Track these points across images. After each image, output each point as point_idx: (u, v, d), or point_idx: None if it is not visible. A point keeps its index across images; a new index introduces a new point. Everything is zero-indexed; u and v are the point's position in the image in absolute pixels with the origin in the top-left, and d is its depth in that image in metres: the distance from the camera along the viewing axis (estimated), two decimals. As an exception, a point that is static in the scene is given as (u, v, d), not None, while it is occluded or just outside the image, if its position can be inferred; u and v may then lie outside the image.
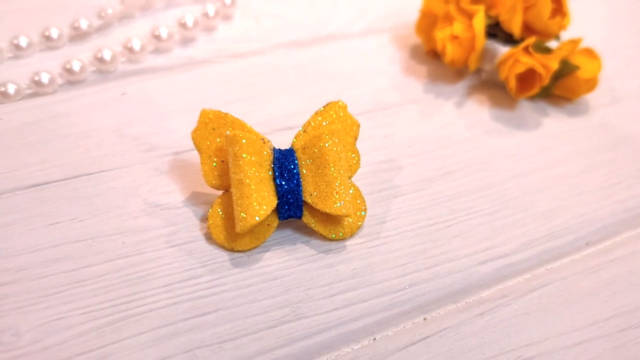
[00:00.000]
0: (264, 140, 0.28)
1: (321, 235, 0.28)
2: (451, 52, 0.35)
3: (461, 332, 0.25)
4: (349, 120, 0.29)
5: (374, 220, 0.29)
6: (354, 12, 0.42)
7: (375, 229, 0.29)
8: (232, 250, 0.27)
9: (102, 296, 0.25)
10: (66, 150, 0.30)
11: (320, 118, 0.28)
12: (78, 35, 0.37)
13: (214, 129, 0.28)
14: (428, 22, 0.37)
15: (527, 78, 0.35)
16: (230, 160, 0.27)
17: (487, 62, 0.38)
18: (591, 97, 0.38)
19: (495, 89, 0.37)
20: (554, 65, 0.34)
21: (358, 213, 0.28)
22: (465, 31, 0.35)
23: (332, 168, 0.27)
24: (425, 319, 0.26)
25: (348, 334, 0.25)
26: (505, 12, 0.35)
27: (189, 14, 0.38)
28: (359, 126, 0.29)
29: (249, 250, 0.27)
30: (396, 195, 0.30)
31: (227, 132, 0.27)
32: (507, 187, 0.31)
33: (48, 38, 0.36)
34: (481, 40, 0.35)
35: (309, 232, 0.28)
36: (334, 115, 0.29)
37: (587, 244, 0.30)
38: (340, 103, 0.29)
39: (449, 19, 0.36)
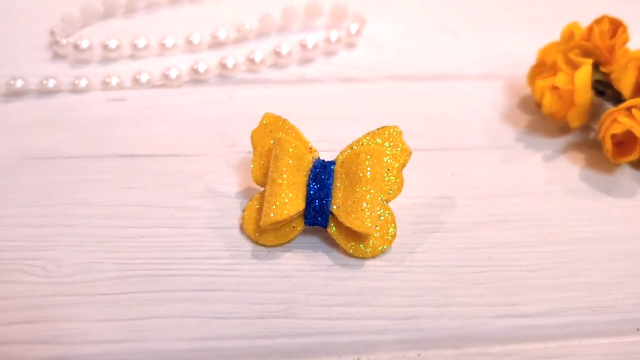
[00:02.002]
0: (311, 149, 0.30)
1: (342, 248, 0.29)
2: (549, 103, 0.34)
3: (443, 375, 0.24)
4: (400, 146, 0.30)
5: (402, 249, 0.29)
6: (477, 55, 0.42)
7: (401, 256, 0.29)
8: (256, 242, 0.29)
9: (137, 253, 0.28)
10: (165, 133, 0.35)
11: (368, 138, 0.30)
12: (216, 44, 0.42)
13: (270, 131, 0.30)
14: (540, 71, 0.36)
15: (628, 141, 0.32)
16: (272, 159, 0.29)
17: (596, 121, 0.35)
18: None
19: (598, 150, 0.34)
20: (659, 132, 0.31)
21: (385, 237, 0.29)
22: (567, 83, 0.33)
23: (364, 187, 0.28)
24: (419, 354, 0.25)
25: (332, 345, 0.26)
26: (617, 70, 0.33)
27: (312, 37, 0.41)
28: (410, 154, 0.30)
29: (272, 246, 0.29)
30: (436, 231, 0.30)
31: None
32: (564, 248, 0.29)
33: (190, 43, 0.41)
34: (583, 95, 0.33)
35: (334, 244, 0.29)
36: (384, 138, 0.30)
37: (638, 329, 0.26)
38: (395, 128, 0.30)
39: (554, 69, 0.34)
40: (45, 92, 0.37)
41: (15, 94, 0.37)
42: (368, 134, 0.30)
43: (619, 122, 0.31)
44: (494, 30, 0.44)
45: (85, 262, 0.28)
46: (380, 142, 0.29)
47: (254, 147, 0.30)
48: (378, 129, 0.30)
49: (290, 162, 0.28)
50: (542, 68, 0.36)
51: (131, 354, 0.25)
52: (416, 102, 0.38)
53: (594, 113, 0.35)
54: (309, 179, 0.29)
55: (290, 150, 0.29)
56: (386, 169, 0.29)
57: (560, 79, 0.33)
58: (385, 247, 0.29)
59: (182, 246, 0.29)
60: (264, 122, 0.31)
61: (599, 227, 0.30)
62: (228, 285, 0.27)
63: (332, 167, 0.29)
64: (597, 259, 0.29)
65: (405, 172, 0.32)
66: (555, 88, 0.33)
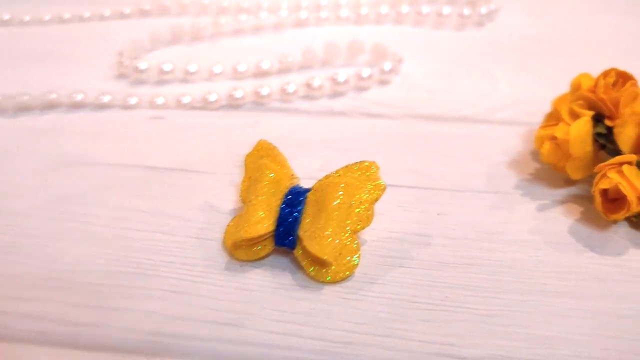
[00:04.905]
0: (292, 177, 0.32)
1: (304, 270, 0.30)
2: (547, 152, 0.33)
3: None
4: (375, 181, 0.31)
5: (364, 278, 0.30)
6: (507, 100, 0.42)
7: (360, 285, 0.30)
8: (231, 256, 0.32)
9: (129, 252, 0.32)
10: (188, 150, 0.39)
11: (344, 170, 0.31)
12: (259, 73, 0.46)
13: (262, 156, 0.33)
14: (550, 121, 0.36)
15: (621, 198, 0.31)
16: (253, 182, 0.32)
17: (599, 176, 0.34)
18: None
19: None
20: (650, 192, 0.30)
21: (347, 265, 0.30)
22: (566, 134, 0.33)
23: (329, 215, 0.30)
24: (350, 379, 0.27)
25: (271, 357, 0.27)
26: (619, 124, 0.32)
27: (343, 72, 0.43)
28: (384, 190, 0.31)
29: (245, 261, 0.31)
30: (402, 265, 0.31)
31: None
32: (523, 298, 0.29)
33: (236, 71, 0.45)
34: (579, 147, 0.32)
35: (300, 266, 0.31)
36: (360, 173, 0.31)
37: (580, 390, 0.26)
38: (373, 163, 0.31)
39: (559, 119, 0.34)
40: (100, 106, 0.43)
41: (76, 106, 0.43)
42: (346, 166, 0.31)
43: (608, 177, 0.30)
44: (532, 79, 0.44)
45: (85, 254, 0.32)
46: (356, 175, 0.31)
47: (245, 169, 0.33)
48: (356, 163, 0.31)
49: (268, 185, 0.31)
50: (553, 117, 0.36)
51: (98, 337, 0.28)
52: (429, 141, 0.39)
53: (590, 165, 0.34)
54: (283, 202, 0.31)
55: (271, 174, 0.31)
56: (358, 201, 0.31)
57: (560, 130, 0.33)
58: (347, 274, 0.30)
59: (168, 251, 0.32)
60: (258, 147, 0.33)
61: (567, 282, 0.29)
62: (195, 290, 0.30)
63: (305, 194, 0.31)
64: (556, 313, 0.28)
65: (393, 206, 0.34)
66: (554, 138, 0.33)
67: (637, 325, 0.28)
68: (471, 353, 0.27)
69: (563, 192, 0.35)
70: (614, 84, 0.33)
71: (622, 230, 0.32)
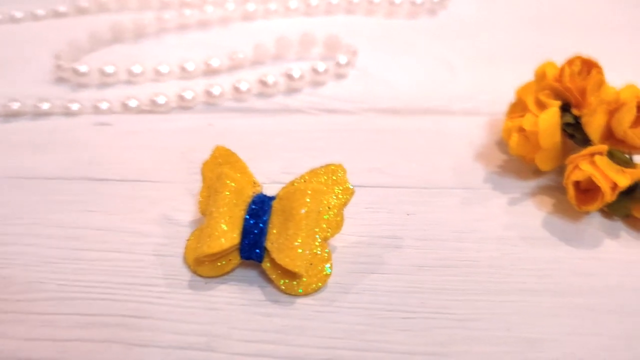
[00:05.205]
0: (254, 184, 0.30)
1: (275, 284, 0.29)
2: (516, 144, 0.33)
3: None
4: (342, 185, 0.29)
5: (337, 288, 0.29)
6: (468, 91, 0.41)
7: (333, 296, 0.28)
8: (194, 273, 0.29)
9: (81, 276, 0.29)
10: (139, 158, 0.36)
11: (310, 175, 0.30)
12: (209, 71, 0.43)
13: (220, 164, 0.31)
14: (515, 110, 0.35)
15: (593, 189, 0.30)
16: (212, 193, 0.29)
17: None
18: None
19: (569, 195, 0.33)
20: (623, 181, 0.29)
21: (319, 275, 0.28)
22: (534, 125, 0.32)
23: (297, 224, 0.28)
24: (330, 398, 0.25)
25: (244, 382, 0.26)
26: (587, 113, 0.31)
27: (297, 68, 0.41)
28: (352, 193, 0.30)
29: (209, 277, 0.29)
30: (375, 272, 0.29)
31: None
32: (503, 299, 0.28)
33: (184, 70, 0.43)
34: (549, 138, 0.31)
35: (270, 279, 0.29)
36: (327, 176, 0.29)
37: (569, 393, 0.25)
38: (339, 166, 0.30)
39: (525, 109, 0.33)
40: (38, 114, 0.40)
41: (12, 115, 0.39)
42: (312, 171, 0.30)
43: (581, 169, 0.30)
44: (491, 66, 0.43)
45: (33, 281, 0.29)
46: (323, 180, 0.29)
47: (203, 179, 0.31)
48: (322, 167, 0.30)
49: (229, 196, 0.29)
50: (517, 107, 0.35)
51: (51, 374, 0.26)
52: (392, 136, 0.38)
53: (567, 156, 0.33)
54: (247, 213, 0.29)
55: (231, 184, 0.29)
56: (326, 207, 0.29)
57: (528, 121, 0.32)
58: (319, 285, 0.28)
59: (125, 271, 0.30)
60: (215, 154, 0.31)
61: (548, 279, 0.29)
62: (156, 314, 0.28)
63: (270, 202, 0.29)
64: (537, 313, 0.27)
65: (360, 208, 0.32)
66: (522, 130, 0.32)
67: (621, 321, 0.27)
68: (454, 363, 0.26)
69: (532, 184, 0.34)
70: (580, 72, 0.32)
71: (596, 221, 0.32)
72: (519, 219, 0.32)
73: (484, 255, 0.30)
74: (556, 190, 0.33)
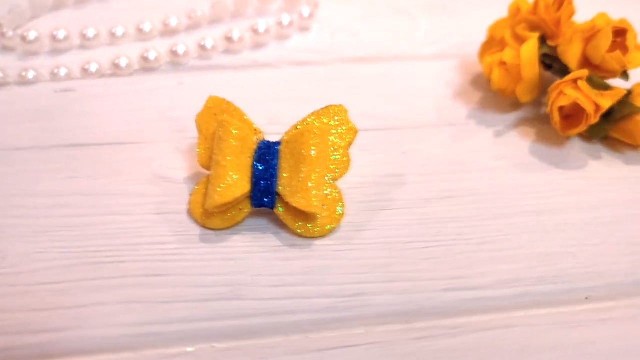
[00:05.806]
0: (256, 131, 0.29)
1: (290, 229, 0.28)
2: (498, 78, 0.34)
3: (386, 350, 0.24)
4: (346, 125, 0.29)
5: (351, 227, 0.29)
6: (432, 36, 0.42)
7: (349, 234, 0.29)
8: (204, 226, 0.29)
9: (81, 242, 0.28)
10: (113, 122, 0.34)
11: (313, 117, 0.29)
12: (167, 31, 0.42)
13: (215, 114, 0.30)
14: (490, 48, 0.36)
15: (576, 114, 0.32)
16: (216, 142, 0.29)
17: (547, 96, 0.36)
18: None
19: (549, 124, 0.34)
20: (605, 103, 0.31)
21: (333, 216, 0.28)
22: (514, 58, 0.33)
23: (309, 166, 0.28)
24: (366, 331, 0.25)
25: (278, 325, 0.25)
26: (564, 43, 0.33)
27: (262, 22, 0.41)
28: (356, 132, 0.30)
29: (220, 229, 0.28)
30: (385, 208, 0.30)
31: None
32: (511, 221, 0.29)
33: (141, 31, 0.41)
34: (530, 69, 0.33)
35: (283, 225, 0.29)
36: (329, 117, 0.29)
37: (587, 298, 0.27)
38: (340, 107, 0.30)
39: (502, 45, 0.34)
40: (-9, 85, 0.37)
41: (-39, 88, 0.36)
42: (313, 113, 0.29)
43: (565, 94, 0.31)
44: (449, 11, 0.44)
45: (29, 252, 0.27)
46: (325, 121, 0.29)
47: (199, 130, 0.30)
48: (323, 108, 0.30)
49: (234, 143, 0.28)
50: (491, 44, 0.36)
51: (73, 342, 0.24)
52: (369, 83, 0.38)
53: (544, 88, 0.34)
54: (254, 160, 0.28)
55: (234, 132, 0.28)
56: (332, 148, 0.29)
57: (508, 54, 0.33)
58: (333, 226, 0.28)
59: (127, 233, 0.28)
60: (209, 105, 0.30)
61: (547, 200, 0.30)
62: (173, 270, 0.27)
63: (277, 147, 0.29)
64: (545, 230, 0.29)
65: (355, 151, 0.32)
66: (502, 63, 0.33)
67: (618, 229, 0.29)
68: (480, 282, 0.27)
69: (512, 116, 0.35)
70: (553, 4, 0.33)
71: (577, 145, 0.34)
72: (507, 149, 0.33)
73: (484, 184, 0.31)
74: (535, 120, 0.35)
